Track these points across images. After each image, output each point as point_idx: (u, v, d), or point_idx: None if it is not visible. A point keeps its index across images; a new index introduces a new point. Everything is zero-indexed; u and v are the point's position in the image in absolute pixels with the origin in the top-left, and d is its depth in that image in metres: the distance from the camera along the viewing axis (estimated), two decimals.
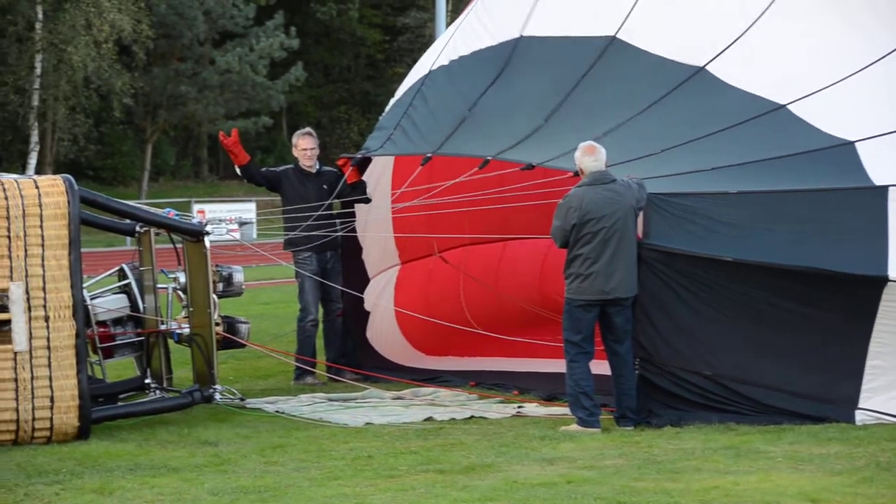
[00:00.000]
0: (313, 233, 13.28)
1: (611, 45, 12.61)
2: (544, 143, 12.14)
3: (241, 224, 38.46)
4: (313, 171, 13.82)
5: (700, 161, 11.39)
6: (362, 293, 14.05)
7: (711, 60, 12.11)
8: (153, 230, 12.31)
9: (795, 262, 10.77)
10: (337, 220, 13.62)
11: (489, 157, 12.28)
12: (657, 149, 11.63)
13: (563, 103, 12.53)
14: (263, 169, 14.08)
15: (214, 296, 11.95)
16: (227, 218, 38.13)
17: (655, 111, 12.02)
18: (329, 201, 13.46)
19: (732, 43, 12.15)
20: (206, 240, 11.85)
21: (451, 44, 13.96)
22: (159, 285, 12.44)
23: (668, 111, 11.98)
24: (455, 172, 12.77)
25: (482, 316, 14.72)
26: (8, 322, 10.59)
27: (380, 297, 14.37)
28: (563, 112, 12.47)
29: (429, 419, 11.52)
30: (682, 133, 11.72)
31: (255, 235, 32.75)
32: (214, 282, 12.00)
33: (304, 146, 13.84)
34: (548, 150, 11.94)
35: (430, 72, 13.82)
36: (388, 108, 14.19)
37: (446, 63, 13.75)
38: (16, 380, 10.59)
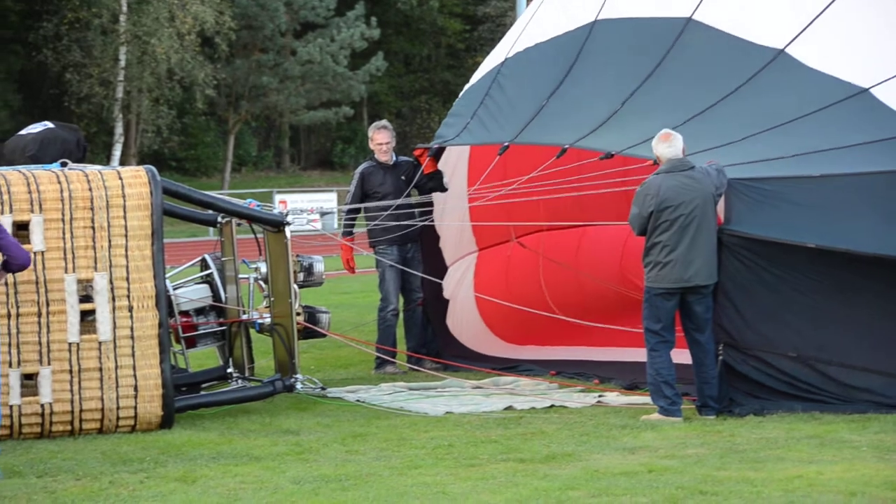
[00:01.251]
0: (394, 223, 13.30)
1: (687, 27, 12.50)
2: (622, 130, 12.05)
3: (322, 214, 38.60)
4: (390, 163, 13.85)
5: (782, 147, 11.28)
6: (441, 282, 14.05)
7: (791, 42, 11.97)
8: (235, 221, 12.38)
9: (880, 250, 10.64)
10: (416, 211, 13.63)
11: (567, 146, 12.23)
12: (738, 136, 11.53)
13: (641, 88, 12.43)
14: (350, 194, 13.93)
15: (295, 285, 12.00)
16: (308, 208, 38.28)
17: (735, 97, 11.91)
18: (408, 190, 13.47)
19: (811, 23, 11.99)
20: (287, 230, 11.91)
21: (527, 30, 13.88)
22: (241, 275, 12.51)
23: (748, 96, 11.86)
24: (532, 160, 12.72)
25: (562, 303, 14.67)
26: (92, 312, 10.70)
27: (459, 285, 14.36)
28: (640, 96, 12.38)
29: (509, 408, 11.52)
30: (762, 119, 11.61)
31: (335, 225, 32.82)
32: (295, 272, 12.05)
33: (380, 140, 13.86)
34: (626, 137, 11.86)
35: (507, 59, 13.75)
36: (461, 95, 14.16)
37: (522, 50, 13.67)
38: (100, 369, 10.70)
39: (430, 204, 13.67)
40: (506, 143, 12.84)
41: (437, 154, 13.61)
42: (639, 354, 11.56)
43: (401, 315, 13.88)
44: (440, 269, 14.18)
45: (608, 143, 11.98)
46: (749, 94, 11.89)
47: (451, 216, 13.98)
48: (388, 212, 13.35)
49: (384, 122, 14.27)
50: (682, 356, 10.98)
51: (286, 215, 12.09)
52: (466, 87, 14.23)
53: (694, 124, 11.69)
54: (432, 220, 13.74)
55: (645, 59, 12.59)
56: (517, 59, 13.65)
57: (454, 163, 13.89)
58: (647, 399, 11.19)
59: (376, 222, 13.41)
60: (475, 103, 13.50)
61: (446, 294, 14.17)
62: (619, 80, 12.62)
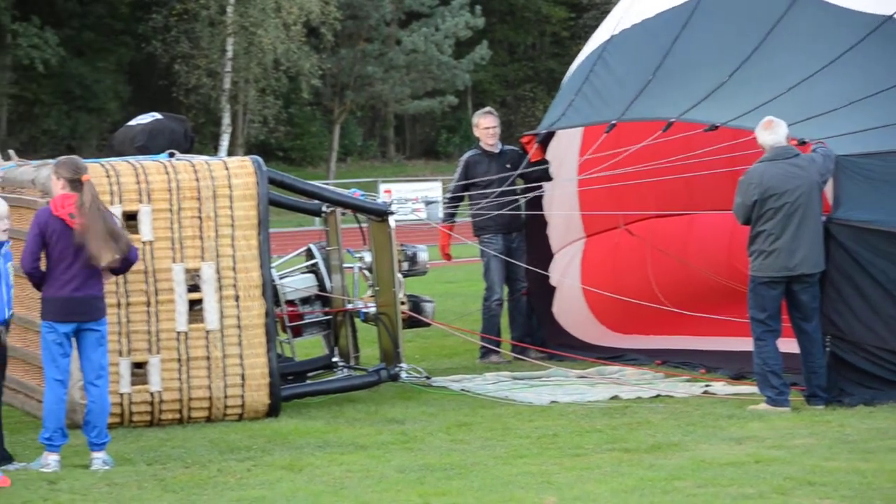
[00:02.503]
0: (497, 212, 13.28)
1: (796, 1, 12.33)
2: (728, 101, 11.90)
3: (427, 203, 38.64)
4: (496, 150, 13.82)
5: (890, 115, 11.08)
6: (547, 269, 13.99)
7: None
8: (339, 210, 12.43)
9: None
10: (521, 201, 13.60)
11: (672, 119, 12.13)
12: (843, 102, 11.34)
13: (749, 59, 12.27)
14: (455, 182, 13.94)
15: (400, 275, 12.03)
16: (413, 198, 38.35)
17: (841, 64, 11.70)
18: (512, 178, 13.43)
19: None
20: (391, 219, 11.94)
21: (633, 7, 13.75)
22: (346, 265, 12.57)
23: (854, 64, 11.66)
24: (641, 139, 12.63)
25: (669, 292, 14.56)
26: (200, 301, 10.81)
27: (565, 273, 14.29)
28: (747, 68, 12.22)
29: (614, 398, 11.47)
30: (869, 86, 11.40)
31: (439, 215, 32.81)
32: (399, 261, 12.08)
33: (486, 125, 13.84)
34: (732, 109, 11.72)
35: (612, 37, 13.62)
36: (566, 77, 14.08)
37: (629, 27, 13.53)
38: (208, 358, 10.80)
39: (537, 192, 13.61)
40: (613, 122, 12.73)
41: (545, 141, 13.54)
42: (746, 344, 11.46)
43: (505, 304, 13.87)
44: (547, 256, 14.11)
45: (714, 115, 11.83)
46: (854, 60, 11.67)
47: (560, 201, 13.90)
48: (491, 200, 13.32)
49: (489, 108, 14.26)
50: (790, 345, 10.86)
51: (390, 205, 12.12)
52: (571, 68, 14.13)
53: (797, 92, 11.51)
54: (538, 209, 13.68)
55: (753, 29, 12.42)
56: (623, 35, 13.47)
57: (565, 148, 13.79)
58: (754, 389, 11.10)
59: (479, 209, 13.39)
60: (580, 81, 13.40)
61: (552, 282, 14.11)
62: (725, 51, 12.45)
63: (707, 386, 11.81)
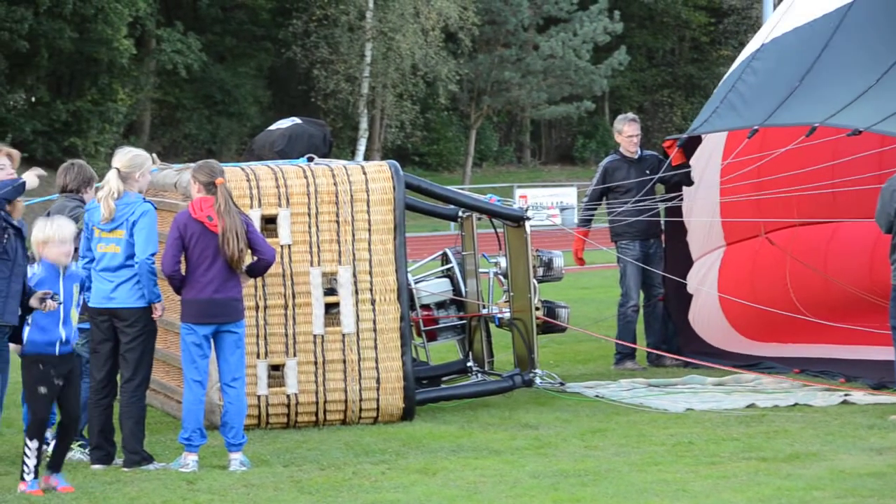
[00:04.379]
0: (635, 218, 13.21)
1: None
2: (874, 106, 11.71)
3: (562, 209, 38.57)
4: (635, 157, 13.76)
5: None
6: (685, 276, 13.89)
7: None
8: (475, 215, 12.45)
9: None
10: (660, 207, 13.52)
11: (816, 124, 11.97)
12: None
13: None
14: (592, 186, 13.92)
15: (535, 280, 12.02)
16: (548, 204, 38.29)
17: None
18: (650, 184, 13.36)
19: None
20: (527, 225, 11.93)
21: (787, 15, 13.62)
22: (481, 270, 12.58)
23: None
24: (785, 146, 12.47)
25: (808, 300, 14.38)
26: (336, 305, 10.89)
27: (703, 281, 14.18)
28: (894, 74, 12.01)
29: (751, 406, 11.34)
30: None
31: (575, 220, 32.76)
32: (535, 266, 12.07)
33: (630, 133, 13.77)
34: (878, 113, 11.52)
35: (763, 45, 13.51)
36: (718, 87, 13.99)
37: (779, 35, 13.41)
38: (344, 361, 10.88)
39: (674, 199, 13.52)
40: (755, 127, 12.60)
41: (689, 148, 13.45)
42: (887, 353, 11.27)
43: (641, 311, 13.79)
44: (686, 263, 14.01)
45: (859, 120, 11.63)
46: None
47: (701, 209, 13.79)
48: (629, 206, 13.25)
49: (632, 115, 14.17)
50: None
51: (526, 210, 12.11)
52: (724, 77, 14.06)
53: None
54: (678, 216, 13.58)
55: None
56: (774, 43, 13.35)
57: (708, 154, 13.68)
58: (895, 399, 10.90)
59: (617, 215, 13.33)
60: (727, 89, 13.31)
61: (690, 289, 14.00)
62: (873, 57, 12.26)
63: (846, 395, 11.63)
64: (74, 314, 8.93)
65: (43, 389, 8.70)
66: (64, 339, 8.85)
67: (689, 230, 14.02)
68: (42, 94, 41.72)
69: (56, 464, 8.96)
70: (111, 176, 9.56)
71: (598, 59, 51.73)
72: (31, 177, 7.95)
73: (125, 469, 9.43)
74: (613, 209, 13.55)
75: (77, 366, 9.13)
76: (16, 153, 7.98)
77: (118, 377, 9.67)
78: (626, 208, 13.31)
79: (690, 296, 14.06)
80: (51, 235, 8.71)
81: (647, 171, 13.56)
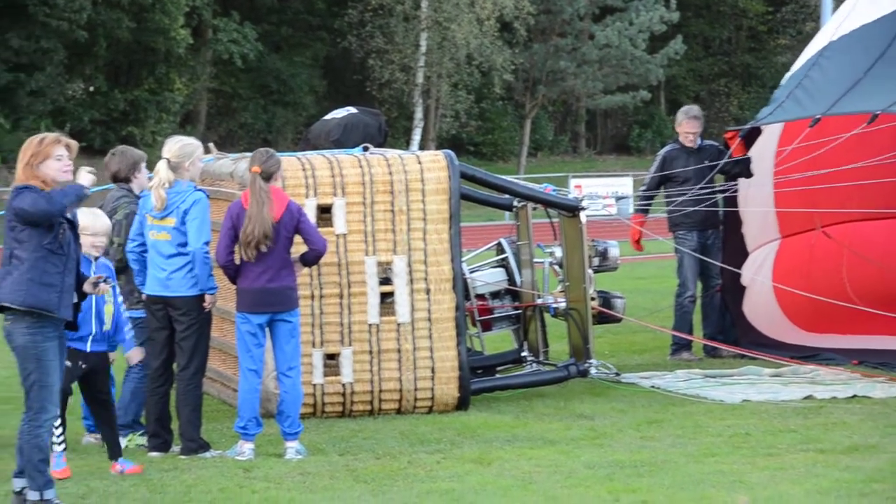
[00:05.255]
0: (692, 208, 13.14)
1: None
2: None
3: (618, 199, 38.44)
4: (694, 147, 13.68)
5: None
6: (741, 267, 13.82)
7: None
8: (530, 205, 12.43)
9: None
10: (719, 197, 13.44)
11: (878, 112, 11.86)
12: None
13: None
14: (650, 175, 13.88)
15: (590, 270, 11.98)
16: (604, 193, 38.16)
17: None
18: (710, 175, 13.29)
19: None
20: (582, 215, 11.89)
21: (854, 12, 13.53)
22: (536, 259, 12.55)
23: None
24: (845, 141, 12.38)
25: (865, 292, 14.24)
26: (391, 294, 10.89)
27: (758, 272, 14.10)
28: None
29: (809, 397, 11.27)
30: None
31: (630, 210, 32.63)
32: (590, 256, 12.03)
33: (688, 129, 13.68)
34: None
35: (830, 42, 13.44)
36: (783, 82, 13.91)
37: (847, 32, 13.34)
38: (399, 350, 10.88)
39: (734, 189, 13.44)
40: (817, 116, 12.52)
41: (750, 139, 13.37)
42: None
43: (698, 301, 13.72)
44: (741, 254, 13.93)
45: None
46: None
47: (756, 201, 13.71)
48: (688, 196, 13.19)
49: (696, 109, 14.05)
50: None
51: (581, 200, 12.07)
52: (787, 74, 13.98)
53: None
54: (734, 206, 13.51)
55: None
56: (841, 40, 13.31)
57: (762, 145, 13.61)
58: None
59: (675, 205, 13.26)
60: (793, 85, 13.25)
61: (744, 281, 13.93)
62: None
63: None
64: (109, 309, 9.00)
65: (68, 363, 8.64)
66: (94, 332, 8.91)
67: (744, 221, 13.94)
68: (100, 83, 42.01)
69: (114, 453, 9.02)
70: (161, 166, 9.60)
71: (654, 49, 51.47)
72: (88, 178, 8.02)
73: (182, 456, 9.48)
74: (671, 199, 13.49)
75: (107, 364, 9.18)
76: (74, 144, 8.02)
77: (174, 365, 9.72)
78: (684, 198, 13.25)
79: (744, 288, 13.98)
80: (85, 226, 8.77)
81: (706, 161, 13.48)
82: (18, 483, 8.01)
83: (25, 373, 7.84)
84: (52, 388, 7.85)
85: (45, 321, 7.83)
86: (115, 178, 10.18)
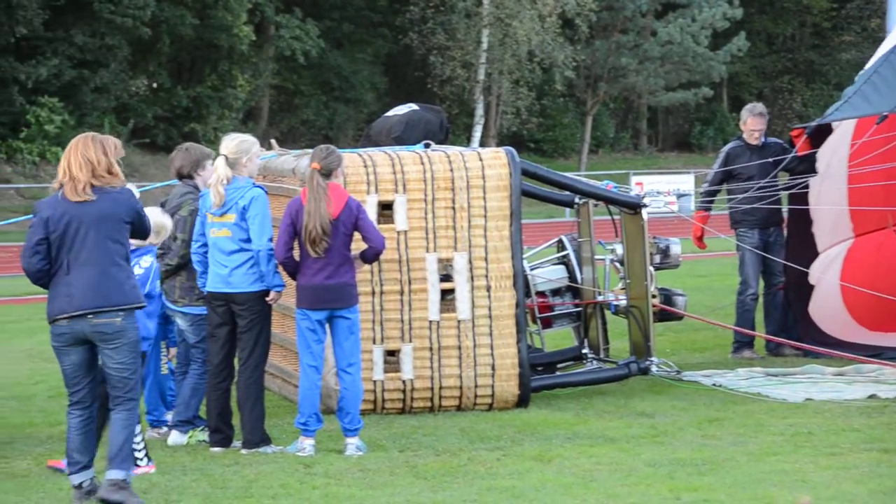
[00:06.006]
0: (753, 205, 13.06)
1: None
2: None
3: (679, 196, 38.26)
4: (759, 143, 13.60)
5: None
6: (808, 267, 13.71)
7: None
8: (591, 202, 12.40)
9: None
10: (782, 194, 13.35)
11: None
12: None
13: None
14: (713, 171, 13.83)
15: (651, 268, 11.94)
16: (665, 191, 38.01)
17: None
18: (775, 172, 13.18)
19: None
20: (644, 212, 11.85)
21: None
22: (597, 257, 12.52)
23: None
24: None
25: None
26: (452, 291, 10.89)
27: (826, 271, 13.98)
28: None
29: (872, 396, 11.18)
30: None
31: (692, 207, 32.47)
32: (651, 254, 11.99)
33: (753, 127, 13.60)
34: None
35: None
36: (856, 79, 13.80)
37: None
38: (459, 347, 10.89)
39: (798, 187, 13.35)
40: (884, 113, 12.41)
41: (817, 137, 13.27)
42: None
43: (760, 299, 13.64)
44: (809, 254, 13.80)
45: None
46: None
47: (828, 199, 13.59)
48: (750, 193, 13.11)
49: (761, 107, 13.96)
50: None
51: (643, 197, 12.03)
52: (861, 73, 13.88)
53: None
54: (800, 204, 13.40)
55: None
56: None
57: (835, 144, 13.49)
58: None
59: (738, 202, 13.18)
60: (862, 82, 13.14)
61: (812, 280, 13.81)
62: None
63: None
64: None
65: None
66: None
67: (814, 221, 13.82)
68: (163, 80, 42.28)
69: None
70: (219, 163, 9.65)
71: (717, 45, 51.21)
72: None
73: (243, 451, 9.53)
74: (734, 196, 13.42)
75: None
76: (117, 143, 8.11)
77: (236, 360, 9.77)
78: (746, 195, 13.18)
79: (812, 287, 13.87)
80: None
81: (770, 159, 13.39)
82: (76, 478, 8.10)
83: (134, 366, 8.08)
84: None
85: None
86: (180, 175, 10.24)
